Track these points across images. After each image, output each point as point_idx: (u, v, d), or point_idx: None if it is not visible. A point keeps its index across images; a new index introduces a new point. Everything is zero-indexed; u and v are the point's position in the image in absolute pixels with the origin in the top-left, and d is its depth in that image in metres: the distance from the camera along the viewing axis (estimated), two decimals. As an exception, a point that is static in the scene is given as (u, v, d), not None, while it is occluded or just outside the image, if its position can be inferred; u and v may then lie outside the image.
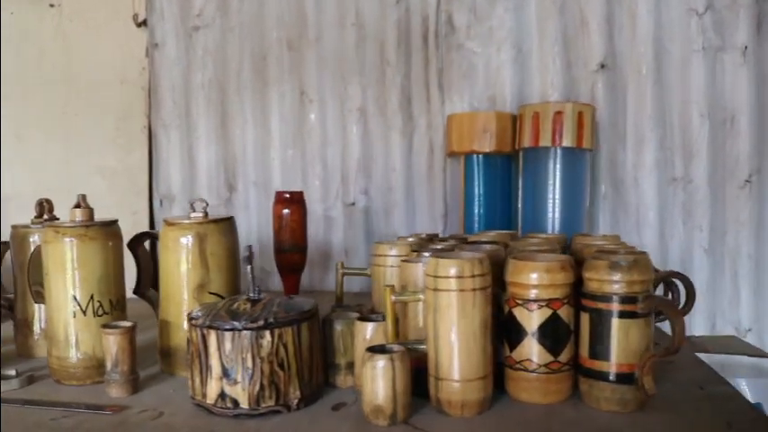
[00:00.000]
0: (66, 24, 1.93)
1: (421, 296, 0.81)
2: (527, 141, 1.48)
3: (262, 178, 1.83)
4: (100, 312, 0.97)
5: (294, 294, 1.42)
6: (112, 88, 1.91)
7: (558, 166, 1.47)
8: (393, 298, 0.82)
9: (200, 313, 0.86)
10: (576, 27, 1.62)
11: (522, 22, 1.64)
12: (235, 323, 0.81)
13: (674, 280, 0.95)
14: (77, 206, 0.99)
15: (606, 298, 0.78)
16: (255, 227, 1.83)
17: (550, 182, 1.48)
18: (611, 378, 0.79)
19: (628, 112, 1.60)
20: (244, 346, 0.81)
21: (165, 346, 1.02)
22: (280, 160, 1.82)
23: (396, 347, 0.80)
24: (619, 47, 1.60)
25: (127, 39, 1.90)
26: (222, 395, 0.82)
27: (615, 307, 0.78)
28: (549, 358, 0.81)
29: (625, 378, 0.78)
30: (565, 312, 0.81)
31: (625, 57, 1.60)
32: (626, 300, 0.78)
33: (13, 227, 1.14)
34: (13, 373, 0.99)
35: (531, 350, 0.81)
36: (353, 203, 1.79)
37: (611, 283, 0.78)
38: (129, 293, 1.08)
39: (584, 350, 0.81)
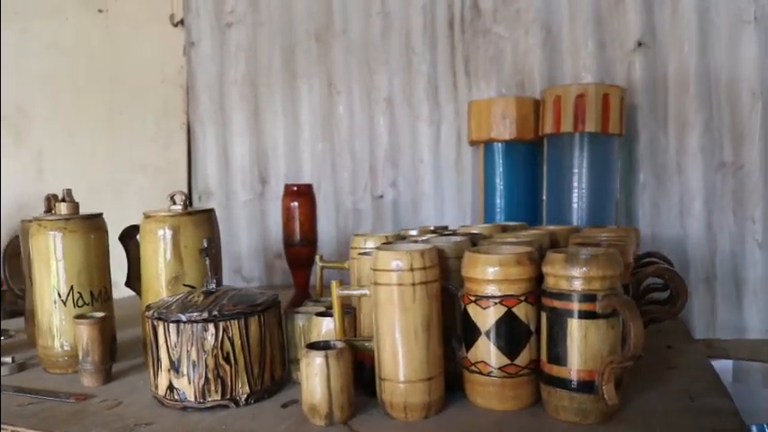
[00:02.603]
0: (113, 27, 2.02)
1: (366, 291, 0.77)
2: (549, 127, 1.38)
3: (293, 171, 1.83)
4: (80, 303, 0.99)
5: (304, 290, 1.40)
6: (154, 87, 1.98)
7: (582, 153, 1.36)
8: (339, 292, 0.78)
9: (155, 305, 0.86)
10: (610, 3, 1.49)
11: (550, 2, 1.53)
12: (180, 315, 0.80)
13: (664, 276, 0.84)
14: (62, 200, 1.02)
15: (562, 295, 0.70)
16: (286, 220, 1.84)
17: (575, 170, 1.37)
18: (569, 385, 0.70)
19: (669, 92, 1.46)
20: (188, 339, 0.80)
21: (145, 337, 1.03)
22: (309, 153, 1.82)
23: (339, 344, 0.76)
24: (658, 22, 1.46)
25: (166, 39, 1.96)
26: (171, 387, 0.82)
27: (572, 306, 0.70)
28: (505, 361, 0.74)
29: (584, 386, 0.70)
30: (522, 311, 0.74)
31: (665, 33, 1.45)
32: (584, 298, 0.69)
33: (22, 221, 1.19)
34: (9, 360, 1.04)
35: (486, 351, 0.74)
36: (381, 196, 1.75)
37: (567, 278, 0.70)
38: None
39: (544, 353, 0.73)
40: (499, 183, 1.46)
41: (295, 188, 1.38)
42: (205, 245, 0.88)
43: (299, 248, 1.38)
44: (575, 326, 0.69)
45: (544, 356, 0.73)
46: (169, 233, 0.99)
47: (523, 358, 0.74)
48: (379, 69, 1.72)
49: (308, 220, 1.38)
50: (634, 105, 1.47)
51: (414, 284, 0.72)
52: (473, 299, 0.75)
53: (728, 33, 1.40)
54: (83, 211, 1.05)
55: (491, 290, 0.73)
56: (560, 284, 0.70)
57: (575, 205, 1.38)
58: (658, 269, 0.84)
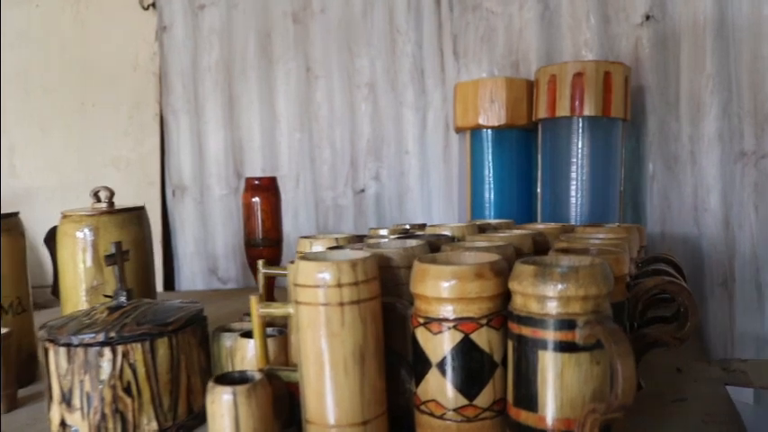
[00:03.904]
0: (83, 14, 1.88)
1: (290, 309, 0.62)
2: (543, 111, 1.22)
3: (269, 165, 1.69)
4: (-14, 317, 0.85)
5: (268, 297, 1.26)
6: (126, 76, 1.84)
7: (582, 140, 1.20)
8: (259, 310, 0.63)
9: (50, 323, 0.72)
10: (615, -29, 1.32)
11: (547, -30, 1.37)
12: (71, 337, 0.66)
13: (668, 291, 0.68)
14: (-31, 197, 0.88)
15: (533, 321, 0.54)
16: (262, 218, 1.69)
17: (574, 160, 1.21)
18: (540, 435, 0.55)
19: (681, 72, 1.29)
20: (80, 366, 0.66)
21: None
22: (287, 145, 1.67)
23: (256, 376, 0.61)
24: (669, -8, 1.29)
25: (138, 24, 1.82)
26: (63, 423, 0.67)
27: (544, 334, 0.54)
28: (462, 401, 0.58)
29: (559, 436, 0.54)
30: (483, 338, 0.58)
31: (677, 4, 1.29)
32: (560, 325, 0.53)
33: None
34: None
35: (438, 388, 0.59)
36: (363, 190, 1.60)
37: (539, 299, 0.54)
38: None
39: (510, 394, 0.58)
40: (488, 174, 1.30)
41: (257, 182, 1.23)
42: (112, 250, 0.74)
43: (261, 249, 1.23)
44: (548, 360, 0.54)
45: (510, 398, 0.57)
46: (89, 235, 0.85)
47: (485, 398, 0.59)
48: (360, 51, 1.57)
49: (271, 218, 1.22)
50: (641, 86, 1.31)
51: (342, 304, 0.57)
52: (422, 321, 0.59)
53: (751, 5, 1.22)
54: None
55: (444, 311, 0.58)
56: (530, 306, 0.55)
57: (573, 199, 1.22)
58: (661, 283, 0.67)
